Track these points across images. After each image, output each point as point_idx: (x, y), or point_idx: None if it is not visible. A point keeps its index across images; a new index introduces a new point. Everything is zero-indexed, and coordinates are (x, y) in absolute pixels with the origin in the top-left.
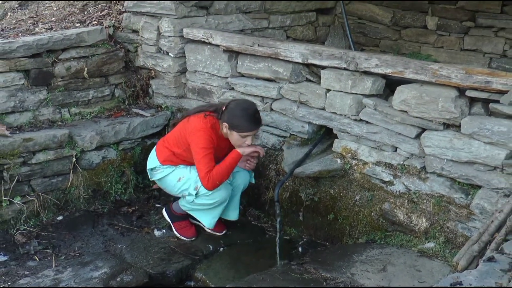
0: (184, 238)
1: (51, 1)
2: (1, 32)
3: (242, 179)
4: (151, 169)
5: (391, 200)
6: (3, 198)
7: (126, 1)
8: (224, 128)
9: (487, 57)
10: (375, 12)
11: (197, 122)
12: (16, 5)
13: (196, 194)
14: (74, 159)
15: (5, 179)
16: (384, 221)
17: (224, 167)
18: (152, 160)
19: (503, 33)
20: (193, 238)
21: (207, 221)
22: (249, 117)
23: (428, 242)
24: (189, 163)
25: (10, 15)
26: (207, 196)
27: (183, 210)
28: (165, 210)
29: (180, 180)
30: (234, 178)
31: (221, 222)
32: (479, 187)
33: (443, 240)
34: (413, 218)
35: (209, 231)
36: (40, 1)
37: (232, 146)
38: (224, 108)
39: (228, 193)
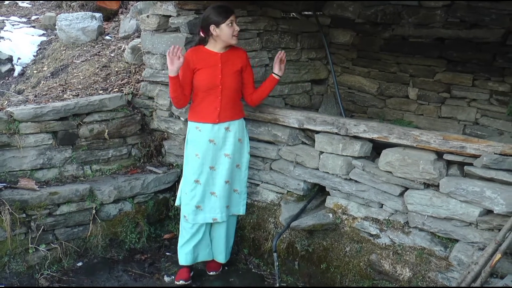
0: (177, 282)
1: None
2: (35, 98)
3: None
4: None
5: (378, 251)
6: (30, 245)
7: (143, 72)
8: (213, 32)
9: (462, 124)
10: (363, 83)
11: None
12: (49, 74)
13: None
14: (94, 211)
15: (32, 228)
16: (371, 270)
17: None
18: None
19: (475, 104)
20: (180, 282)
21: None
22: (217, 7)
23: None
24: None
25: (43, 82)
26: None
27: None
28: None
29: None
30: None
31: (188, 270)
32: (457, 241)
33: None
34: (398, 268)
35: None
36: (69, 71)
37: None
38: (199, 30)
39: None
